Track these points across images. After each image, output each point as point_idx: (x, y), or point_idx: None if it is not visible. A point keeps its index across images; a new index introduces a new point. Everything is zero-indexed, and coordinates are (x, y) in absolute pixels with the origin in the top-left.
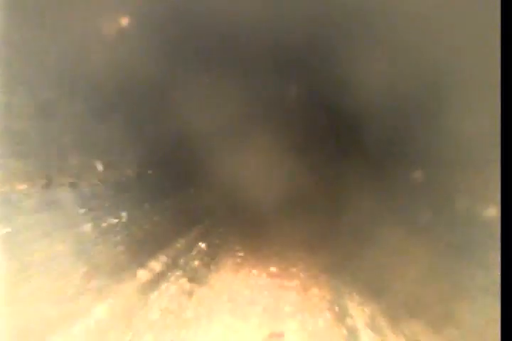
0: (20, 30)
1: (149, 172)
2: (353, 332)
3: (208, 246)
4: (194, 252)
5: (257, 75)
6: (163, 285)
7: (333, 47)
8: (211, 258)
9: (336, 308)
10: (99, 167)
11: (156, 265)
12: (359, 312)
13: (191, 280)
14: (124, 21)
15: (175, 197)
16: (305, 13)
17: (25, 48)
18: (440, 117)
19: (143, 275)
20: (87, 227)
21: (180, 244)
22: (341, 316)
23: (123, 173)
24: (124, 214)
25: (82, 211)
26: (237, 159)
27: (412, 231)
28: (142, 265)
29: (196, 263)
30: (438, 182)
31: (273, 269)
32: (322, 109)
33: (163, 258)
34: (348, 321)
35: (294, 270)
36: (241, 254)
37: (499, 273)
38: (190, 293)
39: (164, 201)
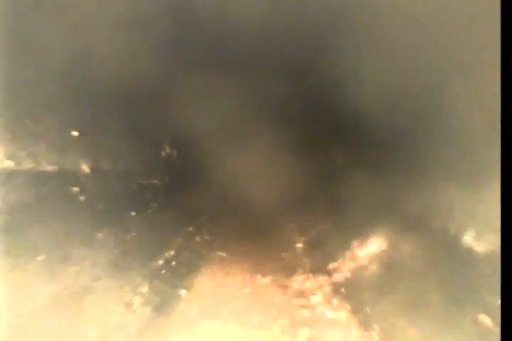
0: (21, 29)
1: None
2: None
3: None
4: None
5: (256, 76)
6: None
7: (333, 47)
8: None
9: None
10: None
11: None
12: None
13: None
14: (124, 22)
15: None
16: (304, 14)
17: (26, 49)
18: (441, 117)
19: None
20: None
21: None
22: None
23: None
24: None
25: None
26: (236, 159)
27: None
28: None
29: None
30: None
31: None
32: (321, 109)
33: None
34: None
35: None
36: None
37: None
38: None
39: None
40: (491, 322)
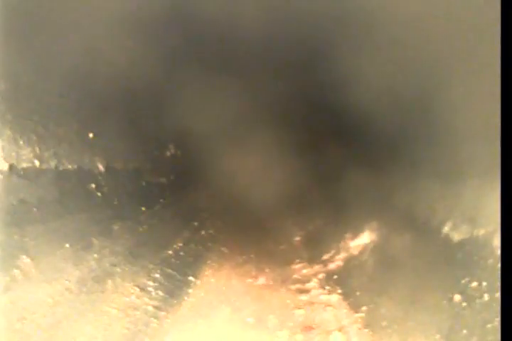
0: (23, 29)
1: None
2: None
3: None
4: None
5: (256, 76)
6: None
7: (332, 48)
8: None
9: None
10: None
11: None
12: None
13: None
14: (125, 23)
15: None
16: (304, 15)
17: (28, 47)
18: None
19: None
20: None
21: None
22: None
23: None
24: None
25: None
26: (237, 158)
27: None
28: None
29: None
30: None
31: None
32: (321, 109)
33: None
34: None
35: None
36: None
37: None
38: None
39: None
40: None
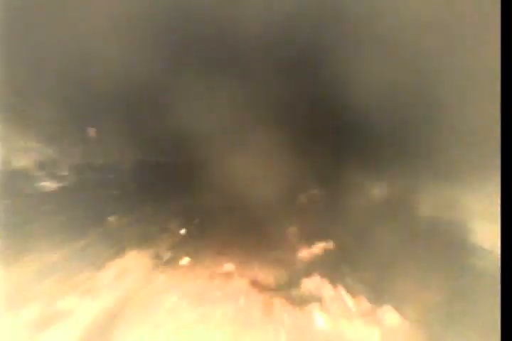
0: (20, 28)
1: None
2: None
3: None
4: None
5: (256, 75)
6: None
7: (333, 48)
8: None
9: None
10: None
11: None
12: None
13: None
14: (126, 22)
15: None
16: (305, 15)
17: (26, 47)
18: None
19: None
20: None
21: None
22: None
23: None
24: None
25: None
26: (236, 158)
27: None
28: None
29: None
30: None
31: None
32: (321, 108)
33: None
34: None
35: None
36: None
37: None
38: None
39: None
40: None
